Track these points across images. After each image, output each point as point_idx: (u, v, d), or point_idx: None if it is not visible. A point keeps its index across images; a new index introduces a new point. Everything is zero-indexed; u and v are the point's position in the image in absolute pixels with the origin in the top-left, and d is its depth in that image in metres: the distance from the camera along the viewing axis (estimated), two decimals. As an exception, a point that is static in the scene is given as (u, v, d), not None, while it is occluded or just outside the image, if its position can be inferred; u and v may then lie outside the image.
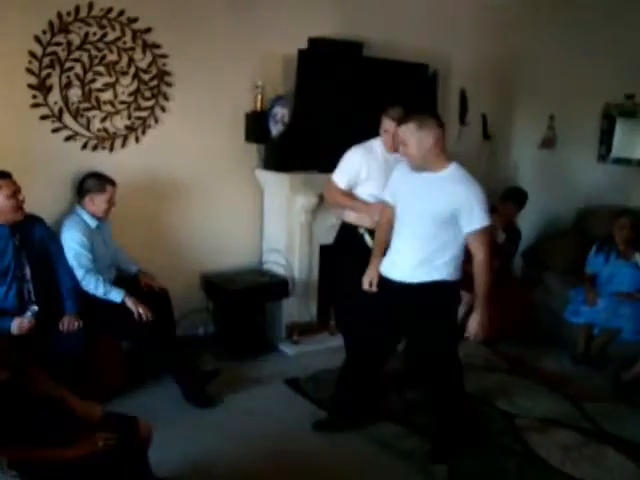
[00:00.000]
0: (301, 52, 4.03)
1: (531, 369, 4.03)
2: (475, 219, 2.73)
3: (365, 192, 3.38)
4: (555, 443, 3.28)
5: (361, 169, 3.35)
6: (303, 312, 4.47)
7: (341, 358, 3.43)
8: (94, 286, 3.38)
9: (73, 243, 3.39)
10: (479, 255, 2.79)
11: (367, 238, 3.38)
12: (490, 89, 5.53)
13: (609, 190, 5.02)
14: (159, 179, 3.97)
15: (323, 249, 4.49)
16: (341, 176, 3.41)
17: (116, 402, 3.18)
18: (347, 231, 3.53)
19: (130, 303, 3.38)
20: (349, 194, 3.42)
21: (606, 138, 5.11)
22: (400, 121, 2.87)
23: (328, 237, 4.46)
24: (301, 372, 3.92)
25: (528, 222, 5.56)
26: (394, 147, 3.16)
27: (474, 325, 2.86)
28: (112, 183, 3.53)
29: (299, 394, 3.69)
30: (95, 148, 3.74)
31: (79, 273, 3.37)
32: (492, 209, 4.73)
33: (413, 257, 2.85)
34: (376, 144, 3.41)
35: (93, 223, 3.51)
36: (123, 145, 3.83)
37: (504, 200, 4.80)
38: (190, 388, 3.45)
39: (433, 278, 2.83)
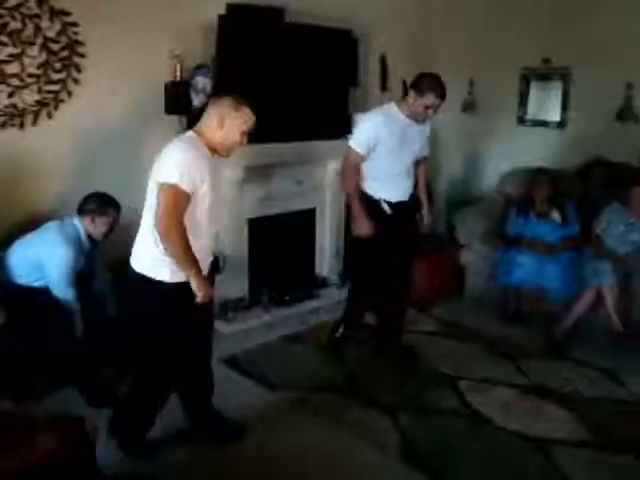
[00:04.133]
0: (221, 18, 3.86)
1: (466, 331, 4.09)
2: None
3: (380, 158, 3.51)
4: (497, 402, 3.37)
5: (379, 136, 3.47)
6: (235, 288, 4.36)
7: (277, 333, 3.84)
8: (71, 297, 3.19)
9: (63, 263, 3.16)
10: None
11: (385, 206, 3.57)
12: (410, 55, 5.51)
13: (528, 152, 5.15)
14: (76, 155, 3.72)
15: (252, 222, 4.38)
16: (361, 143, 3.51)
17: (50, 400, 3.03)
18: (366, 202, 3.59)
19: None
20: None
21: (525, 101, 5.23)
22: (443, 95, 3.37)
23: (256, 210, 4.38)
24: (239, 350, 3.84)
25: (452, 186, 5.65)
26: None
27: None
28: (117, 207, 3.37)
29: (238, 372, 3.61)
30: (4, 126, 3.45)
31: (63, 289, 3.17)
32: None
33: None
34: (394, 111, 3.54)
35: (87, 245, 3.31)
36: (34, 122, 3.56)
37: None
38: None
39: None
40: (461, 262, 4.84)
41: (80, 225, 3.30)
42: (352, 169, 3.55)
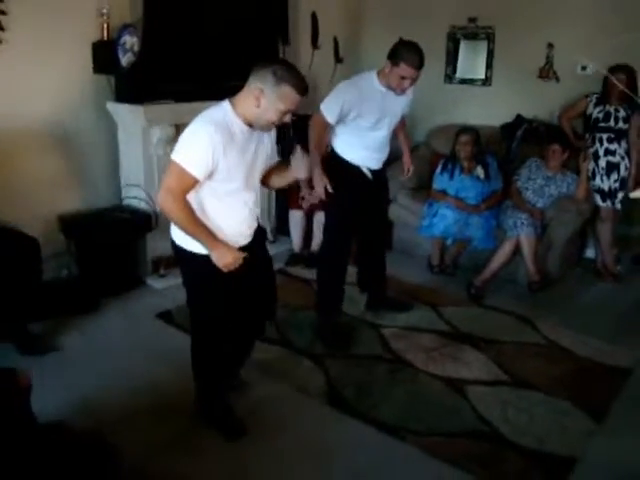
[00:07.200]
0: (148, -25, 3.85)
1: (392, 281, 4.23)
2: None
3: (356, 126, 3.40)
4: (418, 347, 3.57)
5: (353, 108, 3.30)
6: (167, 245, 4.39)
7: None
8: None
9: None
10: None
11: (366, 171, 3.55)
12: (340, 13, 5.60)
13: (455, 109, 5.32)
14: (2, 118, 3.67)
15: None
16: (331, 111, 3.31)
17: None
18: (345, 167, 3.51)
19: None
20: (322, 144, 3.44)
21: (453, 60, 5.40)
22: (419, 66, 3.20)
23: (187, 168, 4.41)
24: (172, 304, 3.93)
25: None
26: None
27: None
28: None
29: (173, 326, 3.72)
30: None
31: None
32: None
33: None
34: (373, 81, 3.36)
35: None
36: (-45, 83, 3.53)
37: None
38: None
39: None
40: (389, 216, 4.99)
41: None
42: (316, 130, 3.37)
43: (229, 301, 2.64)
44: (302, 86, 2.37)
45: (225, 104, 2.42)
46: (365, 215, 3.66)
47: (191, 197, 2.40)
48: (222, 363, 2.81)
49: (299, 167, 2.61)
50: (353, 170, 3.53)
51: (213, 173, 2.36)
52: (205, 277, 2.54)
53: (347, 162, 3.52)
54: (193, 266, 2.56)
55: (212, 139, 2.29)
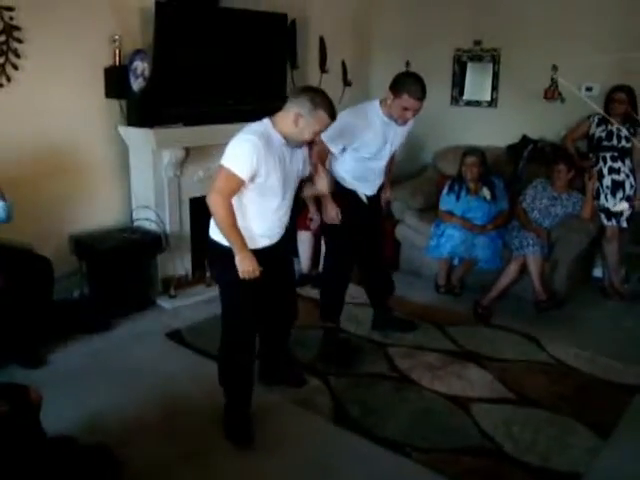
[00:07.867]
0: (158, 4, 3.95)
1: (399, 301, 4.27)
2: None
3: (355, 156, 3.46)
4: (424, 365, 3.60)
5: (357, 137, 3.35)
6: (178, 266, 4.50)
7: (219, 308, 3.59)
8: None
9: None
10: None
11: (362, 196, 3.62)
12: (348, 37, 5.71)
13: (462, 130, 5.39)
14: (17, 141, 3.79)
15: (192, 202, 4.51)
16: (334, 142, 3.36)
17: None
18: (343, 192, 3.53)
19: None
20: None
21: (458, 81, 5.48)
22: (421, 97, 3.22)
23: (197, 190, 4.49)
24: (182, 324, 4.00)
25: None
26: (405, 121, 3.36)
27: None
28: None
29: (182, 345, 3.77)
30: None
31: None
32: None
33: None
34: (374, 111, 3.38)
35: None
36: (-28, 107, 3.64)
37: None
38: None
39: None
40: (396, 236, 5.05)
41: None
42: (320, 161, 3.31)
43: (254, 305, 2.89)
44: (333, 111, 2.73)
45: (266, 120, 2.75)
46: (363, 237, 3.71)
47: (234, 198, 2.68)
48: (249, 370, 2.97)
49: (323, 184, 3.02)
50: (350, 195, 3.58)
51: (255, 177, 2.64)
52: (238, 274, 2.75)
53: (344, 187, 3.55)
54: (228, 262, 2.72)
55: (255, 146, 2.60)
